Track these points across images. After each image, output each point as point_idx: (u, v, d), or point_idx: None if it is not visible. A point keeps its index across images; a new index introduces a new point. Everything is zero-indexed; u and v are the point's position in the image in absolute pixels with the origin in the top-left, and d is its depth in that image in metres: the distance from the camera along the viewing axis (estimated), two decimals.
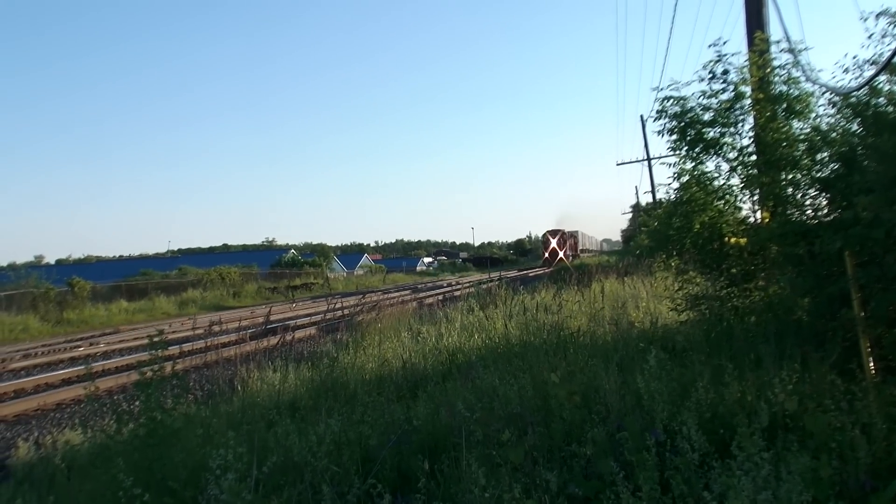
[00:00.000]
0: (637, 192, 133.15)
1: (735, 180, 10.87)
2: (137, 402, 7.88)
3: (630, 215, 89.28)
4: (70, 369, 19.78)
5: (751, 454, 4.78)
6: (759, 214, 10.80)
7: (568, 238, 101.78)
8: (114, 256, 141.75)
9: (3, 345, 29.64)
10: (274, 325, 21.50)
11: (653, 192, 56.06)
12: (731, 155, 10.80)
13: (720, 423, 6.05)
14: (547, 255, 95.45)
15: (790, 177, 9.97)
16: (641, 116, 60.89)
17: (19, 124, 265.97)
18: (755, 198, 10.76)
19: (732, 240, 10.60)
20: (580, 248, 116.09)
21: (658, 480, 5.16)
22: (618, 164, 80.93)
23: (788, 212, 9.85)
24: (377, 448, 6.59)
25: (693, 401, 6.21)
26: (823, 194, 9.22)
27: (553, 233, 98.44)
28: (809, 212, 9.46)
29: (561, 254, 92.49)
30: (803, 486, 4.58)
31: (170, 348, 7.48)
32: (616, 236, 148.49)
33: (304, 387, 11.01)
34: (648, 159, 59.28)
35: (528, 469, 5.59)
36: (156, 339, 7.32)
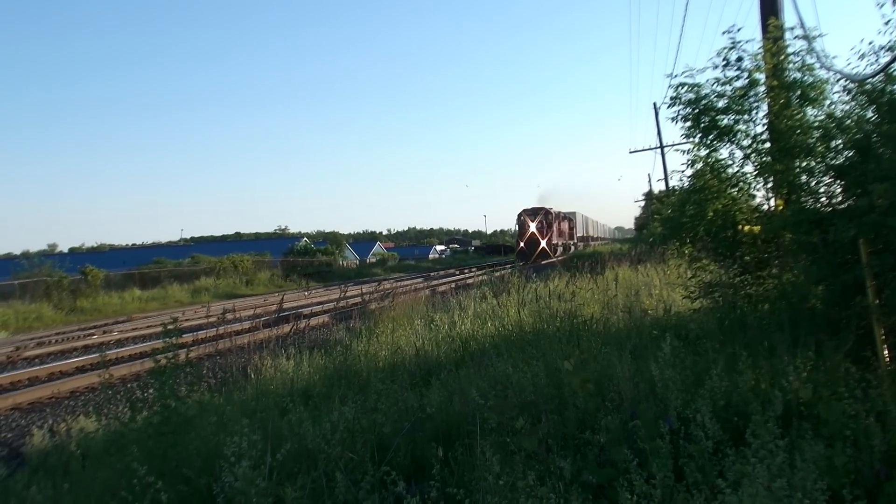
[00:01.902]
0: (650, 180, 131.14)
1: (749, 168, 10.83)
2: (151, 390, 7.93)
3: (643, 203, 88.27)
4: (83, 357, 19.88)
5: (765, 442, 4.78)
6: (772, 202, 10.78)
7: (557, 220, 77.50)
8: (126, 245, 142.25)
9: (17, 333, 29.79)
10: (287, 313, 21.54)
11: (665, 179, 55.91)
12: (745, 142, 10.75)
13: (734, 411, 6.04)
14: (522, 244, 70.77)
15: (804, 164, 9.94)
16: (654, 104, 60.73)
17: (32, 113, 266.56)
18: (769, 185, 10.73)
19: (746, 227, 10.57)
20: (580, 234, 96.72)
21: (672, 468, 5.16)
22: (630, 152, 76.87)
23: (802, 199, 9.82)
24: (391, 435, 6.60)
25: (707, 389, 6.20)
26: (838, 182, 9.19)
27: (532, 212, 72.99)
28: (824, 199, 9.43)
29: (543, 242, 69.53)
30: (817, 473, 4.58)
31: (183, 336, 7.49)
32: (629, 224, 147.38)
33: (317, 374, 11.04)
34: (661, 147, 59.10)
35: (542, 456, 5.60)
36: (170, 327, 7.34)
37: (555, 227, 75.46)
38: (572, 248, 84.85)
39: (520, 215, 74.27)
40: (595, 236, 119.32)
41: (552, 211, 75.79)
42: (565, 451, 5.73)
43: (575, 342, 9.47)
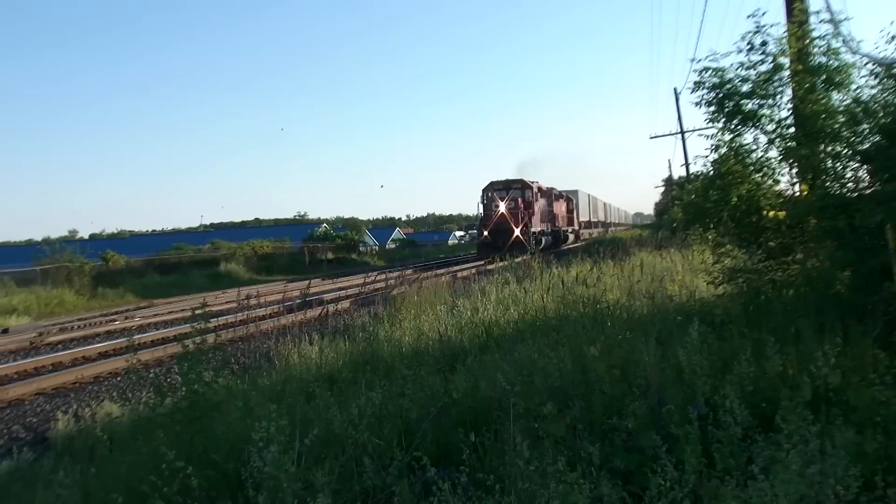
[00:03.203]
0: (670, 166, 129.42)
1: (773, 153, 10.80)
2: (175, 375, 7.98)
3: (663, 189, 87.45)
4: (106, 343, 20.00)
5: (797, 428, 4.77)
6: (797, 187, 10.75)
7: (545, 199, 58.41)
8: (147, 231, 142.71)
9: (40, 318, 29.97)
10: (309, 299, 21.60)
11: (686, 165, 55.66)
12: (770, 127, 10.71)
13: (762, 396, 6.02)
14: (486, 232, 50.66)
15: (829, 149, 9.90)
16: (675, 89, 60.54)
17: (53, 101, 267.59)
18: (793, 170, 10.69)
19: (770, 213, 10.54)
20: (586, 218, 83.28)
21: (701, 454, 5.16)
22: (651, 138, 75.54)
23: (827, 184, 9.79)
24: (417, 421, 6.62)
25: (735, 374, 6.18)
26: (864, 167, 9.15)
27: (503, 186, 52.82)
28: (850, 185, 9.39)
29: (518, 230, 48.93)
30: (848, 460, 4.57)
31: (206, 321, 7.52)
32: (648, 210, 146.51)
33: (341, 360, 11.07)
34: (682, 132, 58.73)
35: (570, 442, 5.60)
36: (198, 312, 7.37)
37: (538, 208, 54.40)
38: (571, 235, 69.80)
39: (485, 190, 53.03)
40: (612, 221, 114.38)
41: (535, 186, 54.68)
42: (593, 437, 5.72)
43: (599, 328, 9.45)
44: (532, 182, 54.94)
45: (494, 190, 53.05)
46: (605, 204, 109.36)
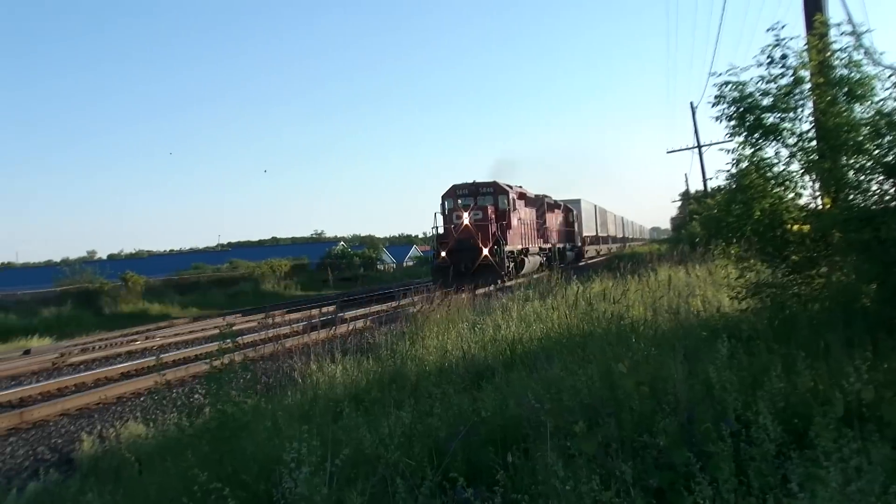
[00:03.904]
0: (687, 180, 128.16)
1: (795, 166, 10.77)
2: (200, 395, 8.00)
3: (679, 203, 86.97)
4: (128, 363, 20.06)
5: (839, 445, 4.74)
6: (820, 200, 10.71)
7: (531, 210, 47.93)
8: (165, 250, 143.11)
9: (61, 339, 30.05)
10: (329, 318, 21.61)
11: (704, 179, 55.59)
12: (791, 140, 10.69)
13: (793, 412, 6.00)
14: (444, 252, 38.88)
15: (852, 161, 9.88)
16: (692, 104, 60.24)
17: (71, 121, 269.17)
18: (816, 184, 10.66)
19: (794, 227, 10.51)
20: (590, 233, 72.49)
21: (734, 471, 5.13)
22: (668, 152, 74.96)
23: (851, 197, 9.76)
24: (447, 440, 6.60)
25: (766, 390, 6.15)
26: (890, 179, 9.11)
27: (468, 191, 41.75)
28: (875, 197, 9.36)
29: (486, 250, 37.86)
30: (885, 476, 4.54)
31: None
32: (665, 224, 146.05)
33: (365, 379, 11.06)
34: (699, 146, 58.63)
35: (602, 460, 5.58)
36: (225, 330, 7.40)
37: (517, 220, 42.83)
38: (570, 254, 59.73)
39: (445, 197, 41.80)
40: (627, 236, 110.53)
41: (514, 191, 43.27)
42: (624, 455, 5.70)
43: (624, 344, 9.43)
44: (509, 186, 42.49)
45: (457, 196, 41.10)
46: (618, 217, 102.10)
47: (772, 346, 7.79)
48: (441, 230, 40.43)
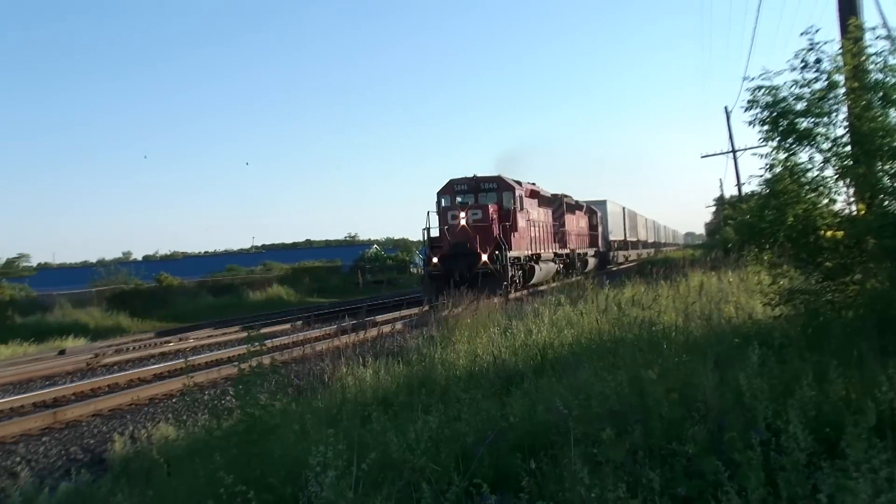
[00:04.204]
0: (721, 185, 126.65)
1: (829, 171, 10.67)
2: (231, 397, 8.02)
3: (714, 208, 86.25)
4: (161, 364, 20.19)
5: (866, 455, 4.69)
6: (854, 206, 10.62)
7: (543, 211, 42.04)
8: (199, 252, 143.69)
9: (95, 340, 30.30)
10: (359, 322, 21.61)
11: (738, 184, 55.20)
12: (825, 145, 10.60)
13: (825, 421, 5.94)
14: (436, 258, 33.44)
15: (887, 167, 9.79)
16: (726, 108, 59.84)
17: (108, 123, 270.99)
18: (850, 189, 10.57)
19: (828, 233, 10.41)
20: (617, 237, 68.28)
21: (764, 480, 5.09)
22: (702, 157, 74.37)
23: (886, 203, 9.67)
24: (474, 445, 6.58)
25: (797, 398, 6.09)
26: None
27: (466, 188, 36.54)
28: None
29: (485, 256, 32.60)
30: None
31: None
32: (699, 230, 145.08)
33: (395, 383, 11.06)
34: (733, 151, 58.23)
35: (629, 468, 5.55)
36: (253, 333, 7.41)
37: (524, 221, 37.14)
38: (591, 260, 53.87)
39: (441, 194, 36.38)
40: (659, 241, 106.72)
41: (522, 188, 37.61)
42: (652, 462, 5.66)
43: (655, 350, 9.37)
44: (517, 183, 37.14)
45: (455, 193, 35.96)
46: (649, 221, 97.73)
47: (804, 353, 7.72)
48: (435, 232, 35.16)
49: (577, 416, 6.25)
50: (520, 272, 36.01)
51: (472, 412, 7.75)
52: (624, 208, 74.41)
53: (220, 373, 16.80)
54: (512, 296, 30.70)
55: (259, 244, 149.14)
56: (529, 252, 37.47)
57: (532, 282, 36.86)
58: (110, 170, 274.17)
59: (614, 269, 56.96)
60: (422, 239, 35.92)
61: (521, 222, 36.44)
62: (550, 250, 42.21)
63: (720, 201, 75.75)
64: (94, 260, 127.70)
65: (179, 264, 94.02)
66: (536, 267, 38.15)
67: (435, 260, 33.26)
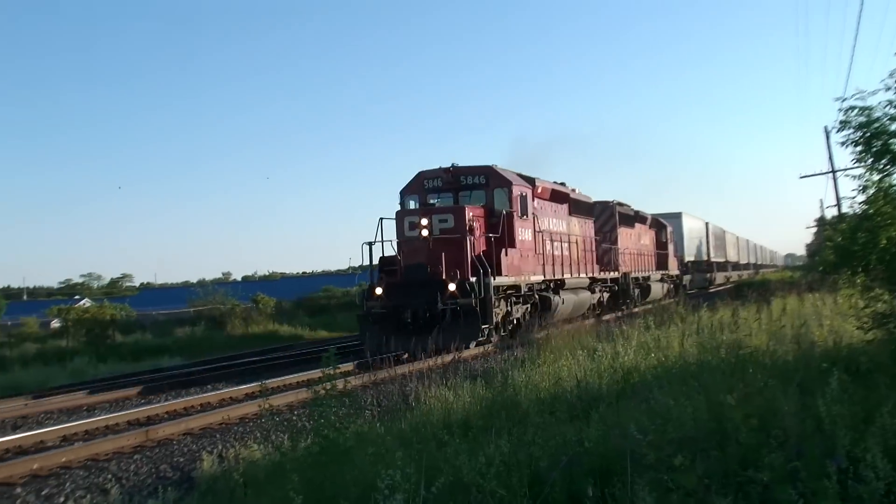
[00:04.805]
0: (822, 206, 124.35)
1: None
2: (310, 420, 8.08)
3: (815, 229, 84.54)
4: (253, 384, 20.34)
5: None
6: None
7: (576, 221, 31.85)
8: (297, 273, 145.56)
9: (191, 358, 30.83)
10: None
11: (838, 205, 54.12)
12: None
13: None
14: (381, 288, 22.68)
15: None
16: (825, 127, 58.73)
17: (210, 142, 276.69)
18: None
19: None
20: (692, 257, 59.12)
21: None
22: (801, 177, 73.20)
23: None
24: (547, 469, 6.53)
25: (878, 426, 5.93)
26: None
27: (441, 184, 25.17)
28: None
29: (453, 284, 21.50)
30: None
31: (342, 365, 7.61)
32: (800, 250, 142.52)
33: (477, 405, 11.03)
34: (833, 172, 56.99)
35: (701, 495, 5.44)
36: (326, 355, 7.47)
37: (534, 233, 26.57)
38: (656, 285, 43.41)
39: (405, 194, 26.18)
40: (754, 262, 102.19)
41: (540, 185, 28.16)
42: (726, 489, 5.55)
43: (739, 375, 9.21)
44: (517, 177, 26.20)
45: (425, 192, 25.48)
46: (741, 240, 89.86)
47: (886, 380, 7.52)
48: (392, 250, 24.27)
49: (651, 441, 6.16)
50: (523, 306, 25.87)
51: (546, 436, 7.69)
52: (707, 224, 67.39)
53: (308, 393, 16.87)
54: (494, 341, 23.11)
55: (356, 265, 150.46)
56: (542, 277, 26.68)
57: (555, 315, 26.52)
58: (215, 190, 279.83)
59: (692, 293, 48.75)
60: (361, 261, 23.91)
61: (524, 234, 25.63)
62: (585, 274, 31.46)
63: (821, 222, 74.16)
64: (194, 280, 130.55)
65: (277, 285, 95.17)
66: (555, 298, 27.30)
67: (379, 291, 22.81)
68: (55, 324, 49.97)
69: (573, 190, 32.30)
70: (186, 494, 9.69)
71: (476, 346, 21.88)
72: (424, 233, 22.28)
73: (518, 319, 25.28)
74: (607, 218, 36.89)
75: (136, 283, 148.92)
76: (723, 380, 8.91)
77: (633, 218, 41.38)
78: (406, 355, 20.96)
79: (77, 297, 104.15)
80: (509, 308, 24.49)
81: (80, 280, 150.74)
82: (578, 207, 32.26)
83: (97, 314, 39.91)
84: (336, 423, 7.09)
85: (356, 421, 7.64)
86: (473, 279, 21.85)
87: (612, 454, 6.81)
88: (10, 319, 56.71)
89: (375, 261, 23.59)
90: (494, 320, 22.59)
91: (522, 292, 25.46)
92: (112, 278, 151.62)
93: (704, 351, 11.92)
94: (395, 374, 14.38)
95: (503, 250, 23.53)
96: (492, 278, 22.13)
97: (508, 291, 24.44)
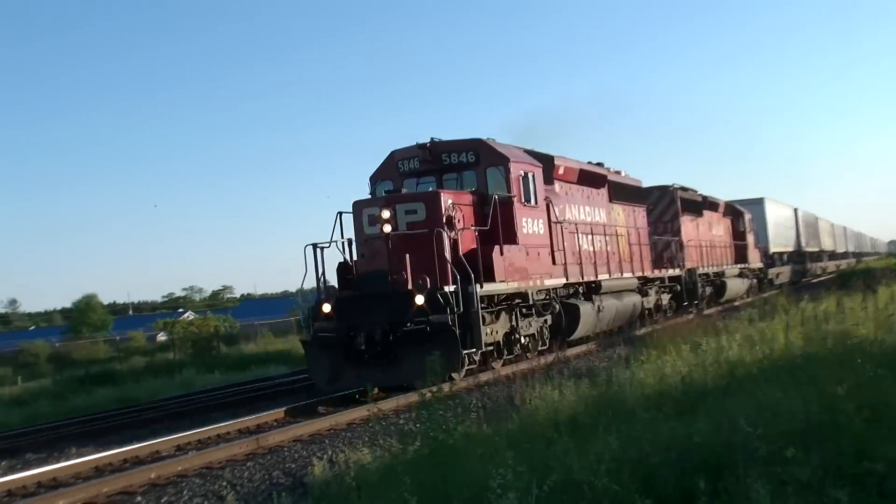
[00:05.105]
0: None
1: None
2: (419, 424, 8.17)
3: None
4: (358, 389, 20.52)
5: None
6: None
7: (619, 209, 26.36)
8: None
9: (296, 366, 31.25)
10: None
11: None
12: None
13: None
14: (331, 305, 17.21)
15: None
16: None
17: (315, 158, 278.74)
18: None
19: None
20: (785, 248, 53.91)
21: None
22: None
23: None
24: (658, 466, 6.53)
25: None
26: None
27: (416, 166, 19.32)
28: None
29: (422, 297, 15.70)
30: None
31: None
32: None
33: (582, 404, 11.03)
34: None
35: (815, 487, 5.40)
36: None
37: (553, 227, 20.79)
38: (730, 283, 37.83)
39: (374, 181, 20.17)
40: (853, 251, 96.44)
41: (562, 165, 22.50)
42: (841, 482, 5.49)
43: (847, 366, 9.07)
44: (519, 152, 20.86)
45: (400, 175, 19.78)
46: (838, 227, 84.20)
47: None
48: (350, 251, 18.82)
49: (761, 434, 6.13)
50: (537, 319, 20.39)
51: (654, 432, 7.67)
52: (796, 210, 60.51)
53: (415, 397, 16.88)
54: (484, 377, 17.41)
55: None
56: (564, 280, 21.33)
57: (573, 336, 21.56)
58: (308, 202, 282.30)
59: (777, 286, 44.81)
60: (305, 268, 18.66)
61: (532, 226, 20.06)
62: (633, 272, 26.29)
63: None
64: (293, 289, 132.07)
65: None
66: (584, 307, 21.92)
67: (327, 309, 17.66)
68: (161, 337, 51.11)
69: (617, 172, 27.28)
70: (301, 499, 9.85)
71: (465, 375, 16.86)
72: (387, 228, 16.60)
73: (534, 335, 20.08)
74: (666, 205, 32.23)
75: (237, 295, 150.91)
76: (831, 371, 8.79)
77: (701, 205, 36.01)
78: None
79: (180, 309, 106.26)
80: (514, 323, 18.94)
81: (183, 293, 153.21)
82: (623, 193, 26.93)
83: (201, 326, 40.63)
84: (444, 424, 7.16)
85: (463, 422, 7.69)
86: (452, 288, 16.32)
87: (721, 448, 6.77)
88: (119, 334, 58.03)
89: (333, 267, 19.00)
90: (484, 341, 16.87)
91: (532, 301, 19.64)
92: (213, 290, 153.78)
93: (810, 342, 11.75)
94: (500, 376, 14.34)
95: (497, 248, 17.84)
96: (478, 286, 16.58)
97: (511, 301, 18.87)
